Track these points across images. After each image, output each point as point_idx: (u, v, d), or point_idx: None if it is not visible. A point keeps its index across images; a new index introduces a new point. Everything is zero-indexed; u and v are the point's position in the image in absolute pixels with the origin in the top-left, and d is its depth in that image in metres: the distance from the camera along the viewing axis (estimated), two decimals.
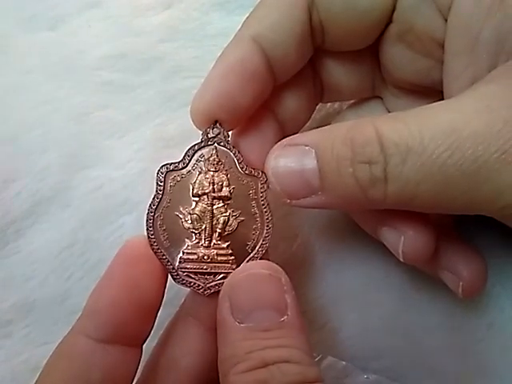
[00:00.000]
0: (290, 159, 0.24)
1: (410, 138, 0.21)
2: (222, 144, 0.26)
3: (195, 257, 0.25)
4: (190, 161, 0.26)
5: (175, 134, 0.35)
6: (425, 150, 0.20)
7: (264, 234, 0.25)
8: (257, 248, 0.25)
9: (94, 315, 0.24)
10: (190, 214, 0.25)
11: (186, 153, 0.26)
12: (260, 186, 0.26)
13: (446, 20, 0.24)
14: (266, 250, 0.25)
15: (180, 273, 0.25)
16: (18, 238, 0.32)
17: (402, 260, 0.27)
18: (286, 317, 0.22)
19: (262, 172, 0.25)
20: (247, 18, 0.26)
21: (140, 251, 0.25)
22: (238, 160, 0.26)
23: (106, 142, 0.34)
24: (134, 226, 0.33)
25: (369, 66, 0.29)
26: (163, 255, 0.25)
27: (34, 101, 0.35)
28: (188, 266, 0.25)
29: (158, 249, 0.25)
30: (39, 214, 0.33)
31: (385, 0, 0.25)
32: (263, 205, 0.25)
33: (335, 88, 0.29)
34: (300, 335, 0.22)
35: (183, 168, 0.26)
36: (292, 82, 0.28)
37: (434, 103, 0.22)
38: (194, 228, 0.25)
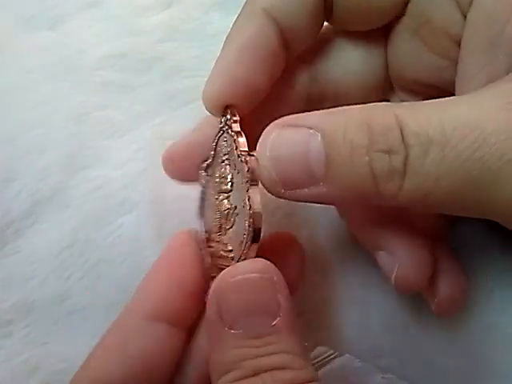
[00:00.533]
0: (290, 142, 0.21)
1: (431, 129, 0.19)
2: (228, 131, 0.24)
3: (212, 251, 0.25)
4: (214, 154, 0.25)
5: (175, 134, 0.34)
6: (448, 142, 0.19)
7: (248, 230, 0.23)
8: (243, 245, 0.23)
9: (142, 293, 0.25)
10: (212, 209, 0.25)
11: (211, 146, 0.25)
12: (245, 173, 0.22)
13: (464, 15, 0.23)
14: (255, 246, 0.23)
15: (207, 265, 0.25)
16: (18, 238, 0.32)
17: (393, 284, 0.26)
18: (278, 319, 0.21)
19: (250, 155, 0.23)
20: None
21: (190, 243, 0.25)
22: (236, 147, 0.23)
23: (106, 142, 0.34)
24: (133, 226, 0.32)
25: (380, 66, 0.27)
26: (200, 248, 0.25)
27: (33, 101, 0.35)
28: (209, 260, 0.25)
29: (198, 243, 0.26)
30: (39, 213, 0.33)
31: None
32: (248, 196, 0.22)
33: (339, 88, 0.27)
34: (293, 336, 0.21)
35: (211, 163, 0.25)
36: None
37: (454, 97, 0.21)
38: (212, 223, 0.25)
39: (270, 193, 0.22)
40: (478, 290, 0.31)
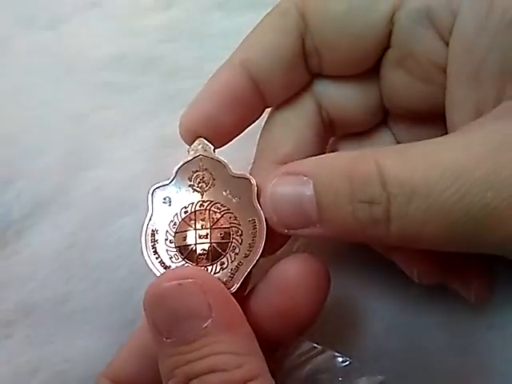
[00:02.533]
0: (287, 188, 0.23)
1: (415, 178, 0.20)
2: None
3: None
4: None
5: (175, 135, 0.34)
6: (431, 193, 0.19)
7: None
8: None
9: None
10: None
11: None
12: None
13: (447, 43, 0.24)
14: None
15: None
16: (18, 240, 0.32)
17: (416, 281, 0.27)
18: (209, 320, 0.21)
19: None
20: (242, 41, 0.27)
21: None
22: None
23: (106, 143, 0.34)
24: (133, 228, 0.32)
25: (376, 93, 0.28)
26: None
27: (33, 101, 0.35)
28: None
29: None
30: (39, 215, 0.33)
31: (379, 25, 0.24)
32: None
33: (343, 118, 0.28)
34: (229, 334, 0.21)
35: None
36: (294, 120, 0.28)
37: (439, 138, 0.21)
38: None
39: (278, 231, 0.24)
40: None
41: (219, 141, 0.27)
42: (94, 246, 0.32)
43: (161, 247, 0.25)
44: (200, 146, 0.26)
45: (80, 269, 0.32)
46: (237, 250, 0.24)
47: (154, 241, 0.25)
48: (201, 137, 0.26)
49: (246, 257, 0.24)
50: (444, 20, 0.23)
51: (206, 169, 0.26)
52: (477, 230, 0.19)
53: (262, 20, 0.26)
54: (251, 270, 0.24)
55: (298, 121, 0.27)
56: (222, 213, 0.25)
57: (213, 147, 0.26)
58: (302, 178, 0.22)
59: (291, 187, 0.23)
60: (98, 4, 0.38)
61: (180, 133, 0.27)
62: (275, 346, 0.26)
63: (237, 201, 0.25)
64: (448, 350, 0.31)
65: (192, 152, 0.26)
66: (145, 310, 0.23)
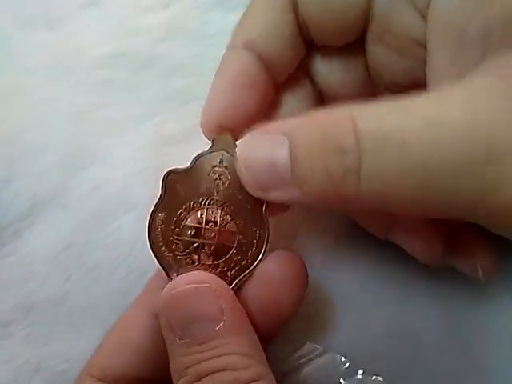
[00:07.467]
0: (261, 148, 0.22)
1: (389, 131, 0.19)
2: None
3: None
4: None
5: (175, 133, 0.35)
6: (404, 145, 0.19)
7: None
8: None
9: (148, 289, 0.27)
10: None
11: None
12: None
13: (424, 17, 0.23)
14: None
15: None
16: (17, 240, 0.32)
17: (420, 259, 0.28)
18: (221, 323, 0.22)
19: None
20: (237, 26, 0.27)
21: None
22: None
23: (105, 142, 0.34)
24: (132, 227, 0.32)
25: (362, 70, 0.28)
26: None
27: (33, 101, 0.35)
28: None
29: None
30: (37, 214, 0.33)
31: (359, 1, 0.25)
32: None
33: (332, 91, 0.29)
34: (238, 337, 0.23)
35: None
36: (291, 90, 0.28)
37: (414, 95, 0.20)
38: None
39: (252, 194, 0.24)
40: (475, 290, 0.31)
41: (241, 130, 0.26)
42: (93, 246, 0.32)
43: (166, 235, 0.25)
44: (224, 141, 0.25)
45: (79, 268, 0.32)
46: (238, 257, 0.25)
47: (160, 226, 0.25)
48: (226, 132, 0.26)
49: (243, 264, 0.25)
50: None
51: (225, 166, 0.25)
52: (449, 183, 0.18)
53: (254, 0, 0.27)
54: (245, 277, 0.25)
55: (294, 96, 0.28)
56: (233, 216, 0.25)
57: (236, 146, 0.25)
58: (277, 136, 0.22)
59: (265, 146, 0.22)
60: (97, 4, 0.38)
61: (202, 128, 0.26)
62: (263, 342, 0.26)
63: (247, 208, 0.25)
64: (447, 349, 0.31)
65: (215, 145, 0.26)
66: (159, 310, 0.24)
